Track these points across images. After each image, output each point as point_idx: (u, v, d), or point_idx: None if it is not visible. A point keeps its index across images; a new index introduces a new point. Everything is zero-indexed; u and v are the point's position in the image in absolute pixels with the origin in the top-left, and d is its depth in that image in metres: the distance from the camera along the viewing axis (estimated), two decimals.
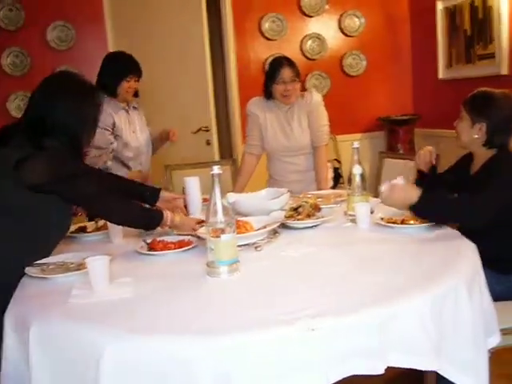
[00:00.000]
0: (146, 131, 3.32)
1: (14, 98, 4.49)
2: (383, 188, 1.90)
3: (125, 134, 3.16)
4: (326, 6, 5.15)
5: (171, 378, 1.29)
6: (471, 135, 2.18)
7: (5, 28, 4.42)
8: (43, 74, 4.53)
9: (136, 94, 3.25)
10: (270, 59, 3.31)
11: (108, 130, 3.09)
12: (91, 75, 4.56)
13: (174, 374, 1.28)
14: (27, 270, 1.89)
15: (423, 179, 2.39)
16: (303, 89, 3.19)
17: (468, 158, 2.33)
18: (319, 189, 3.00)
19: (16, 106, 4.49)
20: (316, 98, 3.14)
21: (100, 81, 3.10)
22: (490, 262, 1.77)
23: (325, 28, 5.20)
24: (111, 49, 4.64)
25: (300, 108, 3.12)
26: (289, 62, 3.07)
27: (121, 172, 3.01)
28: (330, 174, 3.27)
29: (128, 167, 3.20)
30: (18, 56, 4.46)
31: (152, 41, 4.52)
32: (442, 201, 1.95)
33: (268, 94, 3.11)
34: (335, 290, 1.53)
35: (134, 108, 3.30)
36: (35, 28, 4.50)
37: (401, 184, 1.93)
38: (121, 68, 3.14)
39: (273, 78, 3.05)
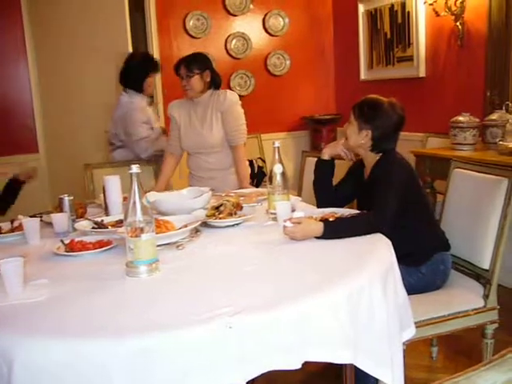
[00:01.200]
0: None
1: None
2: (287, 223, 1.93)
3: (154, 126, 3.67)
4: (251, 6, 5.21)
5: (85, 379, 1.26)
6: (358, 140, 2.29)
7: None
8: None
9: None
10: None
11: (147, 124, 3.60)
12: (6, 68, 4.45)
13: (87, 377, 1.26)
14: None
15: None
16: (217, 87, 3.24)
17: (359, 164, 2.43)
18: (241, 187, 3.03)
19: None
20: (230, 97, 3.16)
21: (128, 76, 3.65)
22: (400, 258, 1.85)
23: (249, 27, 5.25)
24: (29, 43, 4.48)
25: (213, 107, 3.16)
26: (184, 60, 3.19)
27: None
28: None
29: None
30: None
31: (73, 38, 4.41)
32: (344, 224, 2.01)
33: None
34: (254, 287, 1.54)
35: None
36: None
37: (303, 218, 1.98)
38: (149, 65, 3.69)
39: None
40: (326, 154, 2.50)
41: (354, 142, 2.32)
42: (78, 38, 4.40)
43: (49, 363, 1.27)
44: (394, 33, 4.71)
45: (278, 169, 2.26)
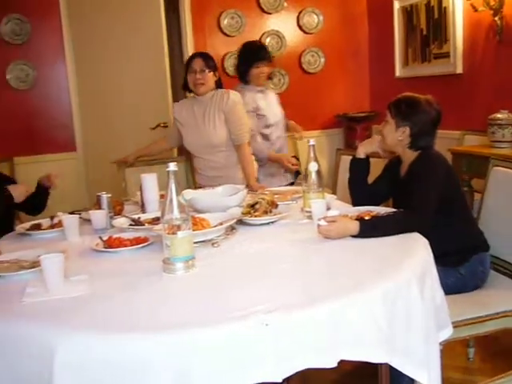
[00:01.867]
0: (279, 108, 3.77)
1: None
2: (322, 222, 1.93)
3: (266, 112, 3.60)
4: (285, 4, 5.20)
5: (127, 375, 1.28)
6: (395, 137, 2.27)
7: None
8: None
9: (269, 77, 3.81)
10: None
11: (253, 111, 3.52)
12: (45, 69, 4.56)
13: (129, 371, 1.28)
14: None
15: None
16: (222, 87, 3.33)
17: (396, 162, 2.40)
18: (249, 185, 3.00)
19: None
20: (233, 97, 3.21)
21: (237, 69, 3.66)
22: (437, 258, 1.83)
23: (283, 25, 5.24)
24: (67, 43, 4.58)
25: (216, 106, 3.20)
26: (200, 54, 3.26)
27: (264, 145, 3.58)
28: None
29: (269, 140, 3.64)
30: None
31: (110, 37, 4.48)
32: (380, 223, 1.99)
33: (184, 86, 3.31)
34: (289, 285, 1.55)
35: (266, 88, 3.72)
36: None
37: (338, 217, 1.98)
38: (249, 56, 3.58)
39: (186, 68, 3.24)
40: (361, 153, 2.48)
41: (391, 141, 2.30)
42: (114, 40, 4.46)
43: (90, 358, 1.30)
44: (430, 29, 4.65)
45: (313, 167, 2.26)
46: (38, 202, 2.89)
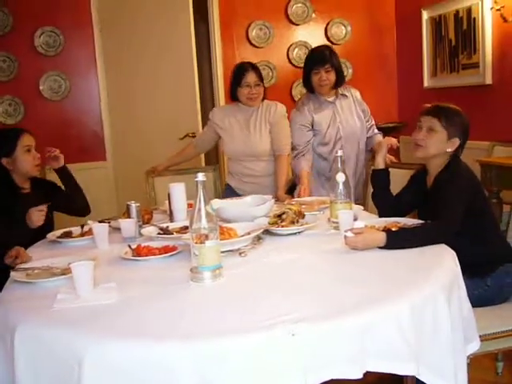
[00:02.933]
0: (355, 117, 3.35)
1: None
2: (348, 234, 1.93)
3: (324, 128, 3.28)
4: (313, 15, 5.21)
5: (154, 382, 1.30)
6: (444, 148, 2.22)
7: None
8: (30, 80, 4.62)
9: (337, 84, 3.27)
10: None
11: (306, 126, 3.27)
12: (77, 80, 4.66)
13: (155, 379, 1.30)
14: (12, 274, 1.91)
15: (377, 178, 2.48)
16: (266, 97, 3.36)
17: (422, 172, 2.38)
18: (277, 195, 3.00)
19: (3, 111, 4.50)
20: (281, 110, 3.28)
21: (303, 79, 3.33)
22: (465, 268, 1.81)
23: (311, 36, 5.25)
24: (98, 55, 4.68)
25: (262, 116, 3.26)
26: (253, 67, 3.25)
27: (321, 164, 3.33)
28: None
29: (326, 160, 3.33)
30: (6, 61, 4.47)
31: (139, 48, 4.57)
32: (407, 234, 1.98)
33: (233, 97, 3.30)
34: (316, 296, 1.55)
35: (344, 96, 3.35)
36: (23, 33, 4.53)
37: (364, 228, 1.98)
38: (307, 62, 3.33)
39: (238, 81, 3.21)
40: (379, 164, 2.48)
41: (436, 150, 2.23)
42: (144, 51, 4.56)
43: (117, 365, 1.32)
44: (458, 39, 4.61)
45: (340, 178, 2.26)
46: (72, 192, 2.90)
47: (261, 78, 3.24)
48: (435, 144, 2.23)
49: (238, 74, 3.24)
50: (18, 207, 2.49)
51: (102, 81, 4.76)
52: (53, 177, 2.95)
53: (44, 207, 2.44)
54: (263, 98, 3.31)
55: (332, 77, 3.21)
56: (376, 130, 3.48)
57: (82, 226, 2.51)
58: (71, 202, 2.87)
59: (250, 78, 3.19)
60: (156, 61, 4.56)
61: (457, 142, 2.21)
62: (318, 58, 3.23)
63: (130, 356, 1.32)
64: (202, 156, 4.57)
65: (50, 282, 1.82)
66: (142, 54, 4.57)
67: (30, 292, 1.77)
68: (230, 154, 3.37)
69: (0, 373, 1.59)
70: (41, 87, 4.61)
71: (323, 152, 3.33)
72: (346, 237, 1.93)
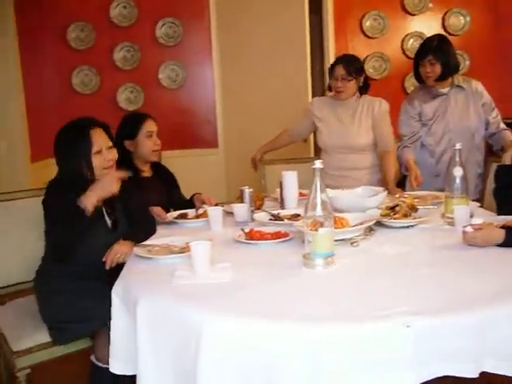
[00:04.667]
0: (472, 111, 3.20)
1: (123, 90, 4.77)
2: (468, 228, 1.87)
3: (431, 119, 3.22)
4: (430, 4, 5.05)
5: (262, 360, 1.34)
6: None
7: (118, 24, 4.70)
8: (151, 69, 4.85)
9: (443, 76, 3.14)
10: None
11: (414, 117, 3.26)
12: (194, 69, 4.84)
13: (266, 358, 1.33)
14: (135, 249, 2.03)
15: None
16: (367, 92, 3.34)
17: None
18: (388, 189, 2.85)
19: (125, 98, 4.78)
20: (385, 106, 3.27)
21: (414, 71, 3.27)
22: None
23: (427, 27, 5.08)
24: (214, 46, 4.83)
25: (363, 111, 3.25)
26: (344, 61, 3.22)
27: (423, 156, 3.24)
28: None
29: (433, 156, 3.26)
30: (129, 51, 4.73)
31: (254, 40, 4.66)
32: None
33: (330, 88, 3.34)
34: (430, 290, 1.52)
35: (460, 87, 3.23)
36: (146, 24, 4.76)
37: (484, 224, 1.91)
38: (416, 52, 3.26)
39: (330, 74, 3.29)
40: (506, 160, 2.37)
41: None
42: (258, 41, 4.64)
43: (233, 341, 1.38)
44: None
45: (457, 172, 2.19)
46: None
47: (351, 72, 3.17)
48: None
49: (331, 66, 3.30)
50: (137, 188, 2.62)
51: (216, 71, 4.92)
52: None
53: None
54: (364, 93, 3.29)
55: (437, 69, 3.10)
56: (503, 125, 3.26)
57: (197, 209, 2.61)
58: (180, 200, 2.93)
59: (337, 71, 3.19)
60: (269, 52, 4.62)
61: None
62: (423, 49, 3.18)
63: (243, 334, 1.37)
64: (312, 148, 4.59)
65: (169, 259, 1.92)
66: (256, 45, 4.65)
67: (150, 267, 1.88)
68: (325, 145, 3.35)
69: (123, 336, 1.72)
70: (160, 76, 4.83)
71: (429, 144, 3.25)
72: (464, 232, 1.87)
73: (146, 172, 2.83)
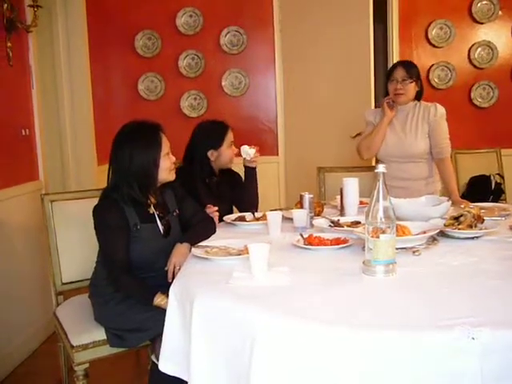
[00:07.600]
0: None
1: (186, 97, 4.87)
2: None
3: None
4: (500, 12, 4.89)
5: (318, 365, 1.31)
6: None
7: (184, 33, 4.81)
8: (214, 76, 4.92)
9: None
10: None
11: None
12: (256, 77, 4.87)
13: (320, 363, 1.31)
14: (193, 250, 2.05)
15: None
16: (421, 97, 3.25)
17: None
18: (452, 199, 2.71)
19: (188, 104, 4.87)
20: (441, 111, 3.16)
21: None
22: None
23: (496, 35, 4.94)
24: (277, 54, 4.85)
25: (419, 118, 3.16)
26: (404, 64, 3.19)
27: None
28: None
29: None
30: (194, 58, 4.82)
31: (317, 49, 4.65)
32: None
33: (385, 93, 3.26)
34: (497, 303, 1.46)
35: None
36: (210, 33, 4.85)
37: None
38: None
39: (388, 76, 3.21)
40: None
41: None
42: (321, 49, 4.62)
43: (290, 346, 1.36)
44: None
45: None
46: (249, 186, 3.01)
47: (411, 75, 3.12)
48: None
49: (389, 69, 3.27)
50: (208, 195, 2.73)
51: (279, 80, 4.94)
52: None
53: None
54: (418, 98, 3.21)
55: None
56: None
57: (253, 213, 2.62)
58: (244, 194, 2.98)
59: (398, 73, 3.13)
60: (332, 62, 4.60)
61: None
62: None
63: (301, 339, 1.35)
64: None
65: (226, 260, 1.93)
66: (319, 55, 4.64)
67: (208, 268, 1.89)
68: (380, 154, 3.27)
69: (177, 335, 1.72)
70: (223, 83, 4.90)
71: None
72: None
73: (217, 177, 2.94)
